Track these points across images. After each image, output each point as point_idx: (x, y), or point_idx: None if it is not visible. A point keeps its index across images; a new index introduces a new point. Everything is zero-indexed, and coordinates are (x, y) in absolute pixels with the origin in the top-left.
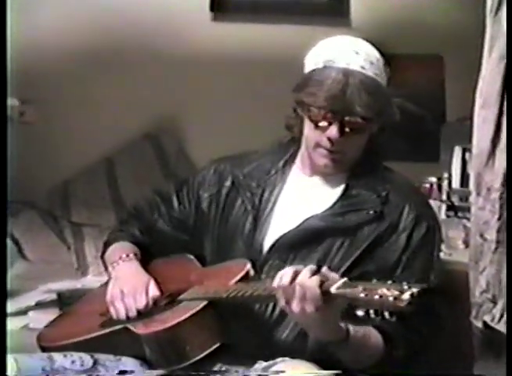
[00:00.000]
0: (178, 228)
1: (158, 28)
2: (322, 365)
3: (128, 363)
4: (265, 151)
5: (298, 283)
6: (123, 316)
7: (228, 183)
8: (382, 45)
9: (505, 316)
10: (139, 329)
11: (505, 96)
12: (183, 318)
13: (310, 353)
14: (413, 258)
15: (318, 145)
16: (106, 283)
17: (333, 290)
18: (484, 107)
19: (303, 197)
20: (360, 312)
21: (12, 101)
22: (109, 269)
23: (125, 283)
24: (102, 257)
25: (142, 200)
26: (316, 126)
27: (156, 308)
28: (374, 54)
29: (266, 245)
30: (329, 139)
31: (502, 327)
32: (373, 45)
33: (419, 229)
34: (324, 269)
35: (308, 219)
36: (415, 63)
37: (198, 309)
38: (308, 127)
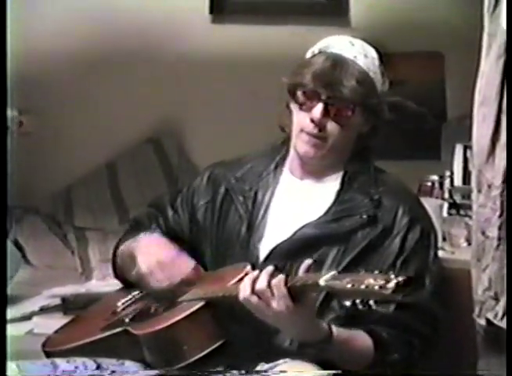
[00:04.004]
0: (175, 237)
1: (158, 31)
2: (325, 366)
3: (131, 366)
4: (257, 154)
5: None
6: (166, 284)
7: (222, 189)
8: (382, 43)
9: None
10: (137, 330)
11: (504, 93)
12: (180, 317)
13: (310, 355)
14: (407, 263)
15: (301, 130)
16: (116, 291)
17: (321, 282)
18: (483, 105)
19: (296, 201)
20: (347, 303)
21: (10, 111)
22: (133, 245)
23: (157, 253)
24: (114, 256)
25: (141, 212)
26: (301, 108)
27: (156, 310)
28: (370, 51)
29: (262, 251)
30: (312, 120)
31: (505, 325)
32: (373, 44)
33: (413, 232)
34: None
35: (302, 228)
36: (415, 61)
37: (195, 308)
38: (294, 114)
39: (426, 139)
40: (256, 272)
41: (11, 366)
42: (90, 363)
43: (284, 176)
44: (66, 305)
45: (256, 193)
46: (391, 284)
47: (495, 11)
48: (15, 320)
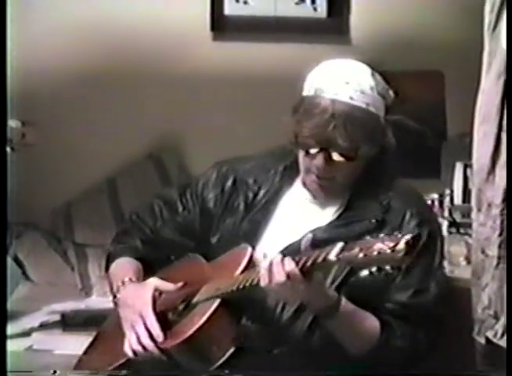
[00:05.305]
0: (184, 234)
1: (159, 48)
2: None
3: None
4: (268, 152)
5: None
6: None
7: (229, 182)
8: (382, 62)
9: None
10: (163, 344)
11: (504, 112)
12: (201, 323)
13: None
14: (413, 266)
15: (308, 170)
16: None
17: (332, 257)
18: (483, 123)
19: (305, 208)
20: (364, 272)
21: (13, 123)
22: (114, 289)
23: (132, 307)
24: (106, 271)
25: (143, 208)
26: (306, 153)
27: (174, 317)
28: (368, 82)
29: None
30: (316, 166)
31: (504, 343)
32: (374, 63)
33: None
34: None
35: (311, 232)
36: (415, 79)
37: (212, 310)
38: (300, 154)
39: (426, 158)
40: (266, 261)
41: None
42: None
43: (296, 183)
44: (66, 321)
45: (259, 188)
46: (401, 246)
47: (495, 30)
48: (14, 336)
